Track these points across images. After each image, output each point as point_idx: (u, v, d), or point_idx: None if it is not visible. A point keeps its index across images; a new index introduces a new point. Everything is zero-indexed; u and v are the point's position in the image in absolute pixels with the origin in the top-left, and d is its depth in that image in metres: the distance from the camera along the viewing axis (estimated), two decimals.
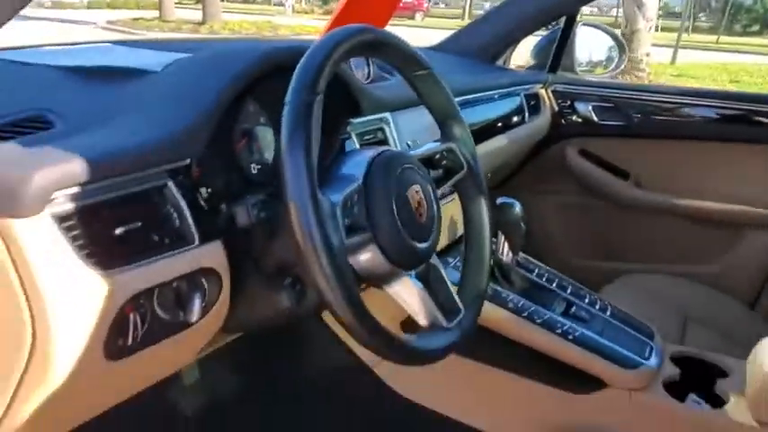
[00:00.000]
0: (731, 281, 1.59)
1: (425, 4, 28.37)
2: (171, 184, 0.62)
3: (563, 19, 1.71)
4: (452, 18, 22.38)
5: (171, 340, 0.66)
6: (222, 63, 0.71)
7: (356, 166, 0.69)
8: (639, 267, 1.65)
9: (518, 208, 1.06)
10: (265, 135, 0.80)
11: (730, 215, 1.60)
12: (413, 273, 0.72)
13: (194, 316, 0.65)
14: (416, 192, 0.71)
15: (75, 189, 0.53)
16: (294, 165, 0.57)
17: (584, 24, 1.80)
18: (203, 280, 0.66)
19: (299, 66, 0.61)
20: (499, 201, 1.07)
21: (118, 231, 0.57)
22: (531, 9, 1.63)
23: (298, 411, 1.21)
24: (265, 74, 0.72)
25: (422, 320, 0.71)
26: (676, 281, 1.54)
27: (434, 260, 0.76)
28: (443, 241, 1.09)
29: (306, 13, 23.82)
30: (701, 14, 27.68)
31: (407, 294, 0.71)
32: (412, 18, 25.46)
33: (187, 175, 0.65)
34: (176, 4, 16.12)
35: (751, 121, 1.58)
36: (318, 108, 0.61)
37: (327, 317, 1.16)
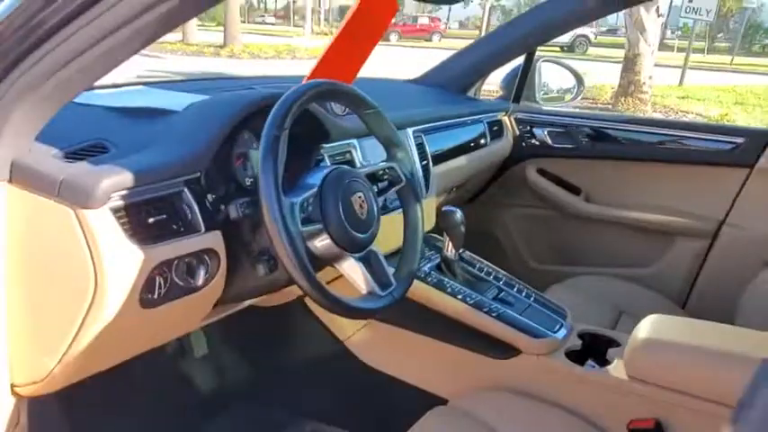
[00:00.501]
0: (664, 282, 1.84)
1: (442, 26, 28.95)
2: (186, 190, 0.92)
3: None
4: (469, 39, 22.71)
5: (184, 300, 0.94)
6: (222, 108, 1.01)
7: (316, 177, 0.98)
8: (588, 270, 1.91)
9: (458, 214, 1.33)
10: (257, 156, 1.09)
11: (664, 225, 1.86)
12: (357, 255, 1.01)
13: (200, 282, 0.94)
14: (359, 197, 1.00)
15: (125, 192, 0.83)
16: (265, 178, 0.85)
17: (544, 61, 2.09)
18: (206, 257, 0.94)
19: (273, 109, 0.90)
20: (444, 209, 1.35)
21: (150, 220, 0.86)
22: (495, 48, 1.92)
23: (284, 377, 1.49)
24: (255, 113, 1.01)
25: (362, 289, 0.99)
26: (617, 281, 1.80)
27: (375, 248, 1.04)
28: (397, 243, 1.38)
29: (324, 34, 24.41)
30: (719, 35, 27.77)
31: (352, 271, 0.99)
32: (429, 40, 25.98)
33: (197, 184, 0.94)
34: (198, 26, 16.70)
35: (682, 145, 1.85)
36: (284, 139, 0.89)
37: (309, 302, 1.45)
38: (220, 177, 1.00)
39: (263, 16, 36.03)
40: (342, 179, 0.99)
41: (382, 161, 1.13)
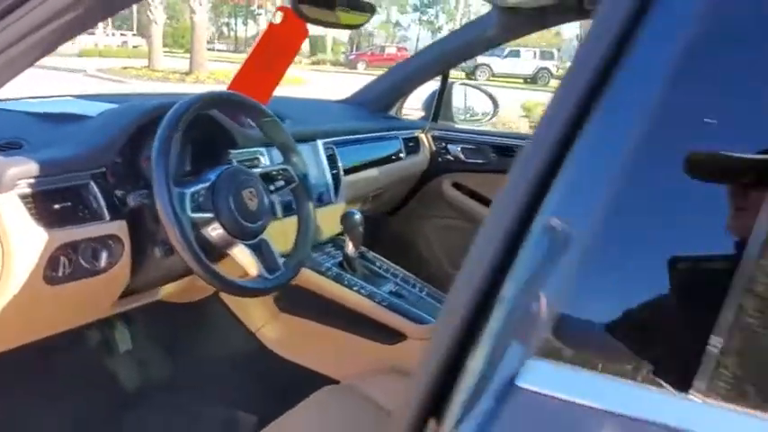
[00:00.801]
0: None
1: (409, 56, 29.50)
2: (92, 182, 1.05)
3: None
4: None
5: (90, 281, 1.06)
6: (124, 112, 1.15)
7: (213, 174, 1.12)
8: None
9: (357, 216, 1.48)
10: None
11: None
12: (248, 243, 1.14)
13: (102, 264, 1.06)
14: (250, 192, 1.14)
15: (31, 180, 0.96)
16: (157, 171, 0.99)
17: (460, 84, 2.28)
18: (110, 242, 1.07)
19: (168, 113, 1.05)
20: (345, 212, 1.50)
21: (56, 207, 0.99)
22: (412, 71, 2.10)
23: (202, 368, 1.60)
24: (158, 119, 1.15)
25: (251, 273, 1.13)
26: None
27: (266, 237, 1.18)
28: None
29: (293, 63, 24.65)
30: None
31: (243, 256, 1.13)
32: None
33: (103, 178, 1.07)
34: (165, 53, 16.76)
35: None
36: (177, 139, 1.03)
37: (224, 297, 1.57)
38: (129, 175, 1.13)
39: (213, 43, 36.33)
40: (236, 176, 1.14)
41: (279, 163, 1.28)
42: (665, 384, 0.41)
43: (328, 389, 1.27)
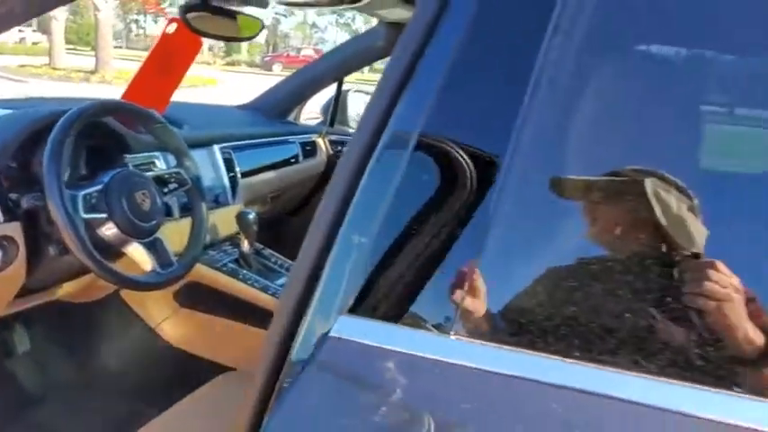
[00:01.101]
0: None
1: None
2: None
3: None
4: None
5: None
6: (17, 120, 1.21)
7: (107, 176, 1.20)
8: None
9: (251, 215, 1.59)
10: None
11: None
12: (143, 241, 1.23)
13: None
14: (143, 193, 1.23)
15: None
16: (48, 174, 1.07)
17: (355, 91, 2.43)
18: (5, 243, 1.13)
19: (60, 120, 1.12)
20: (240, 212, 1.61)
21: None
22: (309, 78, 2.23)
23: (104, 365, 1.66)
24: (50, 124, 1.21)
25: (146, 269, 1.22)
26: None
27: (161, 236, 1.27)
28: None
29: (208, 63, 24.18)
30: None
31: (137, 253, 1.22)
32: None
33: None
34: (68, 50, 16.02)
35: None
36: (69, 144, 1.11)
37: (125, 295, 1.64)
38: (23, 179, 1.19)
39: (121, 41, 34.97)
40: (129, 178, 1.22)
41: (173, 167, 1.37)
42: (432, 328, 0.56)
43: (224, 375, 1.38)
